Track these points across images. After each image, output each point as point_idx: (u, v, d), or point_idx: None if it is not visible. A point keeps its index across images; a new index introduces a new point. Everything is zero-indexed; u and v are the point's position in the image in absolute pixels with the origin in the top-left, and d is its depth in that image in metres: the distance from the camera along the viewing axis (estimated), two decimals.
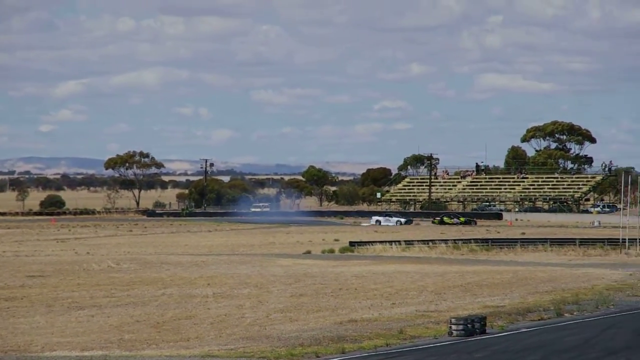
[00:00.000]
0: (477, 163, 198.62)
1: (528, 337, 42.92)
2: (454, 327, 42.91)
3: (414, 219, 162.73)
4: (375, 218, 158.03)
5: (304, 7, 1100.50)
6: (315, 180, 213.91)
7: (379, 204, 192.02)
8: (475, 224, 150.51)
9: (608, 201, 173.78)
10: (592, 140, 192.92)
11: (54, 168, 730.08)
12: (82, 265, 75.97)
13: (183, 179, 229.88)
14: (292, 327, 45.08)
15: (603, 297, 54.73)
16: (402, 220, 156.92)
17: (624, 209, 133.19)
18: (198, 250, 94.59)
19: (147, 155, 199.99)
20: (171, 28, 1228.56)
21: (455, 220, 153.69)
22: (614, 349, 39.13)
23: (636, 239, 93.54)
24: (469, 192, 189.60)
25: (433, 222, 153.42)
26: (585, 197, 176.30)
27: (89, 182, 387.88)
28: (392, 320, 46.85)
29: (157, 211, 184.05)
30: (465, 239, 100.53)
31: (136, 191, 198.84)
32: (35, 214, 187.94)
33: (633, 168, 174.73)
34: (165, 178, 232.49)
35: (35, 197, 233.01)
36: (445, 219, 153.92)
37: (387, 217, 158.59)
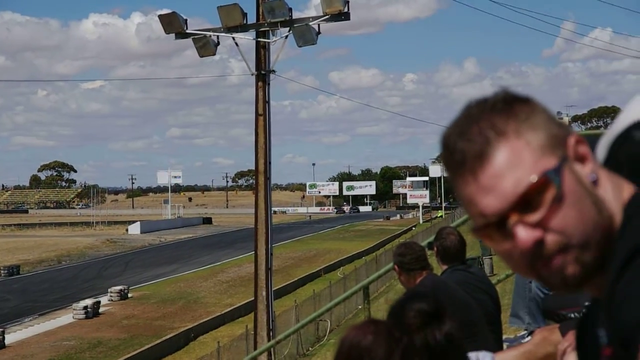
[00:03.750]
0: (3, 185, 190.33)
1: (42, 274, 43.67)
2: (2, 271, 44.23)
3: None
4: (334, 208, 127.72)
5: None
6: None
7: None
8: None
9: (86, 203, 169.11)
10: (75, 171, 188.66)
11: None
12: None
13: None
14: None
15: (83, 253, 56.18)
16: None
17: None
18: None
19: None
20: None
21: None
22: (88, 278, 41.07)
23: (98, 222, 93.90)
24: (9, 199, 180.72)
25: None
26: (72, 200, 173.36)
27: None
28: None
29: None
30: (7, 224, 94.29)
31: None
32: None
33: (98, 185, 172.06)
34: None
35: None
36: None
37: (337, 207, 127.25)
